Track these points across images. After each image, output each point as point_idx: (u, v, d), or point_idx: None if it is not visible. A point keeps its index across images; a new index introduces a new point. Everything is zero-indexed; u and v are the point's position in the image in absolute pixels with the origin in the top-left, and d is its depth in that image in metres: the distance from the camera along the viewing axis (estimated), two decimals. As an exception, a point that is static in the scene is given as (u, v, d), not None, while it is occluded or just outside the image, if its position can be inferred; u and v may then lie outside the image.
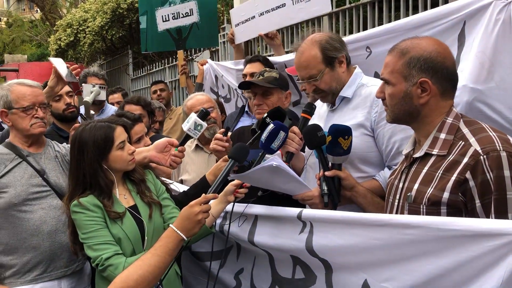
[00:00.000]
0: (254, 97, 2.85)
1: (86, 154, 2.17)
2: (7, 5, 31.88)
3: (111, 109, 4.90)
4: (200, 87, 5.02)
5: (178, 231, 1.96)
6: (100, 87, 3.95)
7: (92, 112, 3.79)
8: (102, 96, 4.08)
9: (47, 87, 3.13)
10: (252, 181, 2.28)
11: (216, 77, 4.96)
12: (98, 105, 4.69)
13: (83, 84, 3.56)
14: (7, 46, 22.21)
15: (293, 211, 2.07)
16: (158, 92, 5.68)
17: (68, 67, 3.22)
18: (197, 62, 5.52)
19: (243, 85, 2.92)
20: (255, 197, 2.33)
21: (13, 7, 27.25)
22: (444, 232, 1.48)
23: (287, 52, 4.49)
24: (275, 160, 2.06)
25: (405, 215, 1.75)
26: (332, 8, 4.86)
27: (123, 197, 2.27)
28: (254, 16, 4.61)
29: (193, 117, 2.47)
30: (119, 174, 2.28)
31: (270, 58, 3.95)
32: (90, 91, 3.92)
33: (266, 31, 4.31)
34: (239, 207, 2.34)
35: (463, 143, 1.66)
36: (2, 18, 24.85)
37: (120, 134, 2.24)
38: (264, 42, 5.78)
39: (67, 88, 3.70)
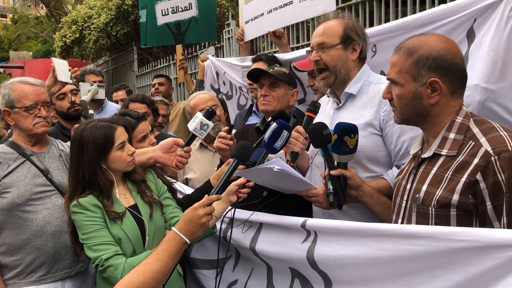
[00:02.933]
0: (261, 88, 2.81)
1: (86, 153, 2.15)
2: (12, 1, 31.94)
3: (111, 106, 4.88)
4: (201, 84, 4.99)
5: (181, 234, 1.91)
6: (98, 85, 3.92)
7: (91, 111, 3.76)
8: (101, 94, 4.05)
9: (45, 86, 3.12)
10: (255, 178, 2.24)
11: (217, 73, 4.92)
12: (98, 102, 4.67)
13: (80, 83, 3.52)
14: (13, 42, 22.31)
15: (298, 220, 2.03)
16: (156, 86, 5.66)
17: (69, 70, 3.22)
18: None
19: (251, 74, 2.89)
20: (260, 198, 2.30)
21: (18, 3, 27.34)
22: (454, 242, 1.42)
23: (292, 50, 4.45)
24: (277, 163, 2.02)
25: (413, 225, 1.69)
26: (338, 4, 4.81)
27: (123, 196, 2.25)
28: (263, 13, 4.58)
29: (199, 116, 2.42)
30: (118, 174, 2.26)
31: (277, 55, 3.92)
32: (87, 90, 3.89)
33: (273, 28, 4.28)
34: (245, 214, 2.31)
35: (473, 143, 1.61)
36: (7, 14, 24.94)
37: (120, 134, 2.21)
38: (269, 38, 5.75)
39: (71, 86, 3.68)
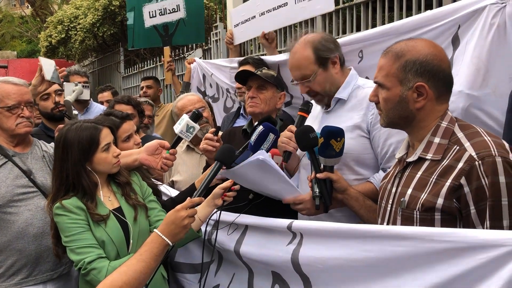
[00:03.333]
0: (249, 90, 2.81)
1: (70, 154, 2.12)
2: (-3, 0, 31.52)
3: (96, 107, 4.83)
4: (187, 86, 4.97)
5: (163, 236, 1.92)
6: (83, 86, 3.87)
7: (75, 112, 3.72)
8: (85, 95, 3.99)
9: (31, 85, 3.07)
10: (241, 180, 2.24)
11: (204, 76, 4.91)
12: (83, 103, 4.62)
13: (64, 83, 3.47)
14: (-3, 42, 21.98)
15: (284, 222, 2.03)
16: (145, 89, 5.62)
17: (56, 69, 3.17)
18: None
19: (239, 76, 2.88)
20: (246, 201, 2.29)
21: (3, 2, 26.95)
22: (438, 243, 1.43)
23: (280, 52, 4.45)
24: (262, 154, 2.02)
25: (398, 226, 1.70)
26: (326, 8, 4.83)
27: (108, 199, 2.22)
28: (254, 16, 4.57)
29: (185, 119, 2.40)
30: (103, 176, 2.23)
31: (264, 57, 3.91)
32: (72, 90, 3.84)
33: (267, 30, 4.28)
34: (230, 216, 2.30)
35: (458, 147, 1.63)
36: (-8, 13, 24.57)
37: (106, 135, 2.19)
38: (257, 41, 5.75)
39: (56, 87, 3.63)
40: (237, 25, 4.85)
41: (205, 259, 2.43)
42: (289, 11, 4.13)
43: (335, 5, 4.69)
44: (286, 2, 4.13)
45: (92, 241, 2.04)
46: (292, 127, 2.29)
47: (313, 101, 2.55)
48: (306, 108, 2.35)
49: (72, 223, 2.04)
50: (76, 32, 10.58)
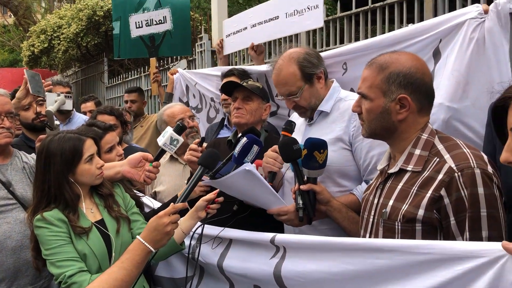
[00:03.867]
0: (235, 101, 2.82)
1: (53, 166, 2.09)
2: (-21, 9, 31.11)
3: (79, 118, 4.78)
4: (170, 97, 4.97)
5: (145, 242, 1.90)
6: (65, 96, 3.84)
7: (57, 122, 3.67)
8: (68, 105, 3.95)
9: (15, 98, 3.03)
10: (225, 188, 2.23)
11: (187, 87, 4.91)
12: (65, 114, 4.57)
13: (46, 93, 3.45)
14: (-22, 51, 21.66)
15: (267, 235, 2.03)
16: (129, 104, 5.58)
17: (42, 82, 3.15)
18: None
19: (225, 87, 2.89)
20: (230, 213, 2.28)
21: (-15, 11, 26.61)
22: (417, 256, 1.45)
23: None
24: (248, 165, 2.03)
25: (378, 239, 1.71)
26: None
27: (90, 211, 2.19)
28: (246, 27, 4.61)
29: (169, 131, 2.38)
30: (86, 188, 2.20)
31: (251, 67, 3.94)
32: (54, 100, 3.80)
33: (257, 42, 4.32)
34: (215, 230, 2.28)
35: (438, 159, 1.65)
36: (-27, 22, 24.24)
37: (89, 147, 2.16)
38: (242, 53, 5.78)
39: (37, 96, 3.58)
40: (229, 35, 4.89)
41: (186, 274, 2.40)
42: (280, 25, 4.19)
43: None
44: (278, 16, 4.20)
45: (73, 254, 2.00)
46: (276, 147, 2.30)
47: (294, 114, 2.58)
48: (290, 128, 2.37)
49: (53, 236, 2.00)
50: (59, 41, 10.48)
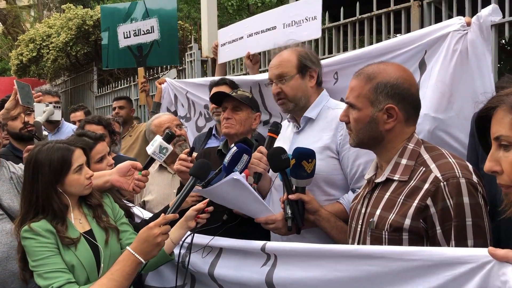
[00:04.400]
0: (224, 111, 2.83)
1: (41, 176, 2.07)
2: (-33, 17, 30.85)
3: (68, 127, 4.76)
4: (158, 107, 4.97)
5: (135, 254, 1.90)
6: (54, 106, 3.83)
7: (45, 132, 3.65)
8: (57, 116, 3.93)
9: (4, 108, 3.02)
10: (215, 197, 2.23)
11: (175, 96, 4.91)
12: (54, 123, 4.54)
13: (35, 104, 3.44)
14: (-34, 59, 21.44)
15: (257, 243, 2.03)
16: (117, 110, 5.58)
17: (32, 93, 3.14)
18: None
19: (214, 97, 2.90)
20: (220, 222, 2.28)
21: (-27, 20, 26.42)
22: (407, 262, 1.47)
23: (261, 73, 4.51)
24: (236, 174, 2.04)
25: (368, 246, 1.73)
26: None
27: (78, 221, 2.17)
28: (242, 37, 4.63)
29: (158, 139, 2.37)
30: (74, 198, 2.19)
31: (245, 77, 3.96)
32: (42, 110, 3.78)
33: (252, 52, 4.34)
34: (205, 239, 2.28)
35: (424, 169, 1.67)
36: (-39, 31, 24.02)
37: (78, 157, 2.15)
38: (231, 62, 5.81)
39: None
40: (224, 44, 4.91)
41: (178, 283, 2.39)
42: (277, 35, 4.19)
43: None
44: (275, 26, 4.21)
45: (61, 265, 1.98)
46: (262, 148, 2.32)
47: (283, 123, 2.59)
48: (275, 129, 2.39)
49: (40, 247, 1.98)
50: (48, 50, 10.43)
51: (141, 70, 5.78)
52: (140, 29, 5.81)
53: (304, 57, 2.43)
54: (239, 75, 5.42)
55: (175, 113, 4.83)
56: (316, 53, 4.75)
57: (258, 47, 4.41)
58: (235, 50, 4.74)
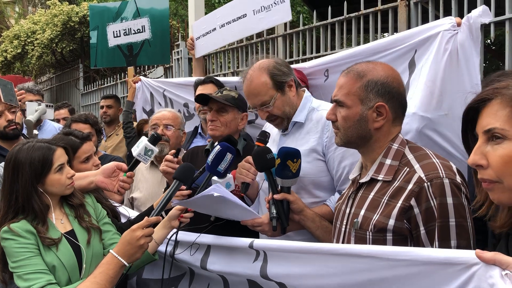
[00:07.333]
0: (209, 112, 2.79)
1: (21, 175, 2.03)
2: (-50, 13, 30.32)
3: (49, 125, 4.69)
4: (131, 105, 4.92)
5: (118, 256, 1.88)
6: (47, 106, 3.77)
7: (36, 132, 3.59)
8: (49, 115, 3.87)
9: None
10: (197, 207, 2.21)
11: (151, 94, 4.86)
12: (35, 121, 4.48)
13: (26, 102, 3.38)
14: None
15: (245, 241, 2.01)
16: (105, 109, 5.52)
17: (14, 91, 3.09)
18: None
19: (199, 99, 2.86)
20: (207, 223, 2.26)
21: (-43, 15, 25.97)
22: (395, 262, 1.46)
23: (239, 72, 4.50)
24: (216, 189, 2.00)
25: (356, 245, 1.71)
26: (286, 30, 4.94)
27: (60, 221, 2.13)
28: (215, 28, 4.61)
29: (144, 141, 2.32)
30: (56, 198, 2.15)
31: (225, 78, 3.93)
32: (34, 109, 3.72)
33: (228, 42, 4.33)
34: (191, 236, 2.25)
35: (408, 169, 1.67)
36: None
37: (59, 156, 2.11)
38: (219, 60, 5.78)
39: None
40: (199, 38, 4.88)
41: (175, 274, 2.37)
42: (249, 22, 4.23)
43: (296, 27, 4.82)
44: (245, 14, 4.23)
45: (41, 266, 1.94)
46: (250, 158, 2.28)
47: (267, 127, 2.57)
48: (264, 139, 2.34)
49: (20, 248, 1.94)
50: (33, 47, 10.31)
51: (131, 69, 5.73)
52: (130, 28, 5.74)
53: (276, 74, 2.36)
54: (218, 75, 5.41)
55: (151, 111, 4.79)
56: (299, 53, 4.79)
57: (231, 36, 4.42)
58: (210, 42, 4.74)
